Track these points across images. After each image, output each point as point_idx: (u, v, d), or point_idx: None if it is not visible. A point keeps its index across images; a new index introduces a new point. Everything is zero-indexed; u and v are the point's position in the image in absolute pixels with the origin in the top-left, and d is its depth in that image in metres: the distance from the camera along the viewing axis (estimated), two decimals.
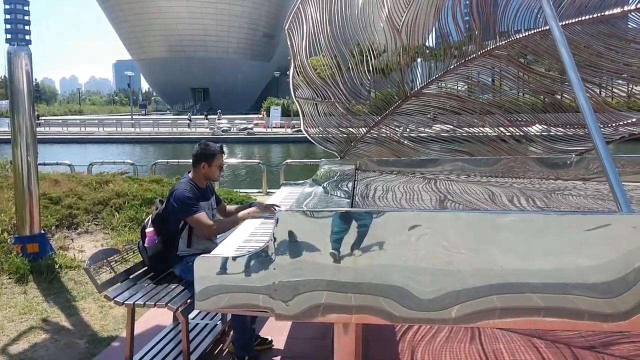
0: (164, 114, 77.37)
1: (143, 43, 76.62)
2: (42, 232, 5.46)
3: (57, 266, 5.16)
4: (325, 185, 3.63)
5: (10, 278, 4.88)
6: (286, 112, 43.87)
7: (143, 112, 75.99)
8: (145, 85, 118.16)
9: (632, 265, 2.16)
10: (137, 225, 6.44)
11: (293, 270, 2.27)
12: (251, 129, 40.24)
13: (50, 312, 4.39)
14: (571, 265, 2.18)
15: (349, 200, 2.91)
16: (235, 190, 9.86)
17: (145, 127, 44.63)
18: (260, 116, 47.01)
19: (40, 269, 5.01)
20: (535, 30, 3.68)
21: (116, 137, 40.02)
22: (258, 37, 76.47)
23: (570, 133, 4.31)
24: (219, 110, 50.52)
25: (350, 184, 3.56)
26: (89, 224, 6.48)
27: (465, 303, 2.19)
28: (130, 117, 54.75)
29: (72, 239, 6.05)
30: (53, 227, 6.13)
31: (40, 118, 50.76)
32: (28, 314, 4.33)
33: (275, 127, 42.04)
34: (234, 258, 2.35)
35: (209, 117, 49.94)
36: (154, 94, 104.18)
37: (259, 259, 2.32)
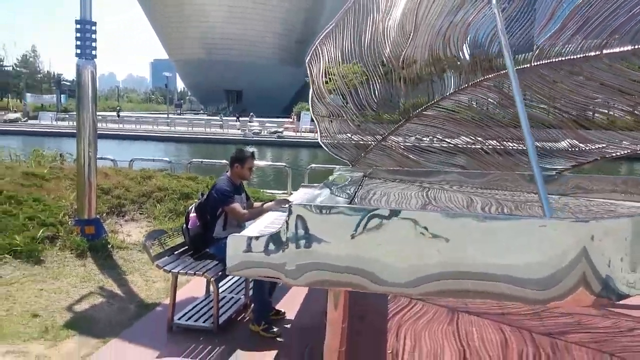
0: (197, 113, 79.46)
1: (180, 44, 79.08)
2: (97, 217, 6.43)
3: (109, 246, 6.12)
4: (334, 188, 4.46)
5: (71, 253, 5.84)
6: None
7: (178, 111, 78.19)
8: (180, 85, 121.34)
9: (551, 262, 2.84)
10: (176, 216, 7.37)
11: (298, 250, 3.06)
12: (281, 132, 41.30)
13: (105, 282, 5.32)
14: (502, 261, 2.87)
15: (349, 200, 3.71)
16: (262, 190, 10.75)
17: (180, 127, 46.19)
18: (291, 120, 48.06)
19: (96, 247, 5.97)
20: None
21: (152, 135, 41.66)
22: (291, 43, 77.93)
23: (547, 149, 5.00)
24: (251, 113, 51.88)
25: (354, 188, 4.38)
26: (135, 212, 7.44)
27: (424, 282, 2.91)
28: (166, 115, 56.69)
29: (120, 225, 7.02)
30: (104, 214, 7.09)
31: (120, 114, 53.33)
32: (87, 282, 5.27)
33: (305, 132, 42.97)
34: (257, 237, 3.18)
35: (240, 119, 51.34)
36: (189, 93, 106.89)
37: (274, 239, 3.13)
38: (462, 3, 3.58)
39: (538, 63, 4.27)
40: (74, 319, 4.44)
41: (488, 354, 3.89)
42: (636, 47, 3.82)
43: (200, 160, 15.03)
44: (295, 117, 47.92)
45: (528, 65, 4.33)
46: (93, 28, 6.18)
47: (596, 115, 4.56)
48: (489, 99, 4.87)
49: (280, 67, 77.03)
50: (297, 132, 43.26)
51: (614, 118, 4.43)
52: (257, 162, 19.60)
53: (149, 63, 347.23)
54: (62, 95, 65.70)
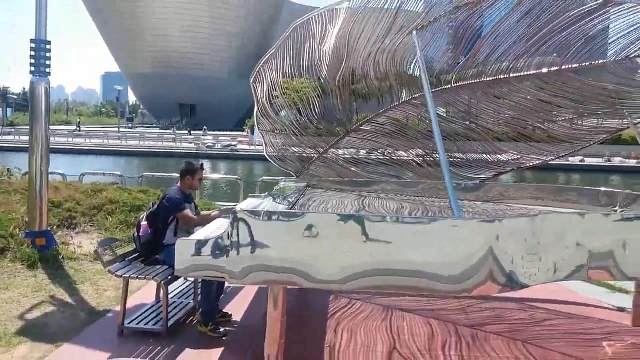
0: (150, 127, 78.25)
1: (133, 57, 77.93)
2: (48, 229, 6.54)
3: (60, 257, 6.24)
4: (278, 197, 4.83)
5: (22, 264, 5.94)
6: None
7: (130, 125, 76.76)
8: (132, 98, 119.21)
9: (463, 260, 3.26)
10: (127, 227, 7.53)
11: (241, 250, 3.40)
12: (235, 146, 41.34)
13: (56, 292, 5.47)
14: (420, 259, 3.27)
15: (289, 207, 4.09)
16: (215, 202, 10.96)
17: (132, 140, 45.49)
18: (245, 134, 48.15)
19: (47, 258, 6.08)
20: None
21: (103, 149, 40.86)
22: (246, 57, 78.17)
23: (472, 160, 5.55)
24: (205, 127, 51.65)
25: (297, 197, 4.77)
26: (86, 225, 7.56)
27: (352, 280, 3.29)
28: (117, 129, 55.64)
29: (71, 237, 7.12)
30: (55, 227, 7.18)
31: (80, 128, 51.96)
32: (38, 292, 5.40)
33: (258, 145, 43.06)
34: (204, 241, 3.49)
35: (192, 132, 51.06)
36: (142, 107, 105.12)
37: (219, 242, 3.45)
38: (387, 32, 4.05)
39: (457, 85, 4.81)
40: (26, 327, 4.59)
41: (416, 345, 4.32)
42: (538, 71, 4.40)
43: (151, 174, 15.08)
44: (249, 130, 48.03)
45: (449, 86, 4.87)
46: (48, 47, 6.36)
47: (508, 129, 5.14)
48: (419, 115, 5.38)
49: (235, 81, 76.99)
50: (251, 145, 43.38)
51: (527, 132, 5.01)
52: (210, 176, 19.80)
53: (100, 76, 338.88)
54: (8, 109, 63.44)
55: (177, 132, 50.41)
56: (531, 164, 5.47)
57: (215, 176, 20.10)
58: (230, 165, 35.08)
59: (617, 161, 34.99)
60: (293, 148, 5.42)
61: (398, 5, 3.64)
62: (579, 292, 5.86)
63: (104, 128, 61.25)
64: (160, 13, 73.35)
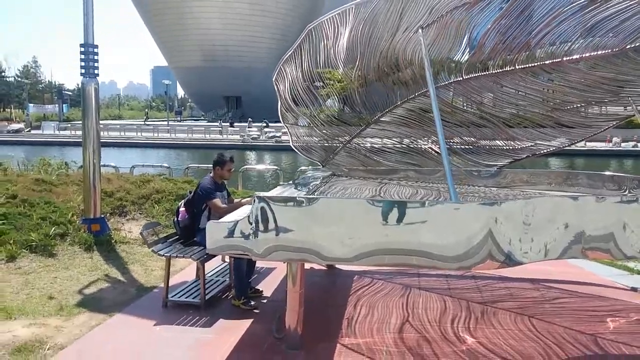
0: (198, 119, 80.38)
1: (179, 52, 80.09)
2: (102, 216, 7.27)
3: (113, 241, 6.95)
4: (301, 184, 5.29)
5: (80, 247, 6.67)
6: None
7: (179, 118, 79.15)
8: (181, 92, 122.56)
9: (465, 241, 3.60)
10: (172, 215, 8.19)
11: (261, 232, 3.86)
12: (279, 137, 42.10)
13: (110, 271, 6.15)
14: (424, 239, 3.62)
15: (309, 193, 4.53)
16: (255, 192, 11.55)
17: (180, 133, 47.09)
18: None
19: (101, 242, 6.80)
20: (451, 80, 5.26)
21: (153, 142, 42.61)
22: (288, 48, 78.78)
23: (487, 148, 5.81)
24: (250, 119, 52.72)
25: (319, 184, 5.21)
26: (135, 212, 8.28)
27: (364, 257, 3.68)
28: (166, 123, 57.65)
29: (122, 223, 7.85)
30: (108, 215, 7.92)
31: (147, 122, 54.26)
32: (94, 271, 6.10)
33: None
34: (229, 222, 3.99)
35: (234, 124, 52.17)
36: (189, 100, 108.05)
37: (243, 222, 3.92)
38: (395, 30, 4.40)
39: (468, 77, 5.11)
40: (84, 299, 5.27)
41: (427, 318, 4.71)
42: (541, 63, 4.65)
43: (197, 165, 15.90)
44: None
45: (460, 78, 5.17)
46: (95, 50, 7.03)
47: (522, 117, 5.38)
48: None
49: None
50: None
51: (535, 120, 5.26)
52: (254, 166, 20.50)
53: (150, 70, 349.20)
54: (64, 105, 66.77)
55: (223, 124, 51.69)
56: (545, 150, 5.69)
57: (258, 167, 20.83)
58: (275, 156, 35.85)
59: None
60: (315, 139, 5.85)
61: (401, 7, 3.98)
62: (597, 274, 6.05)
63: (155, 122, 63.49)
64: (204, 7, 74.99)
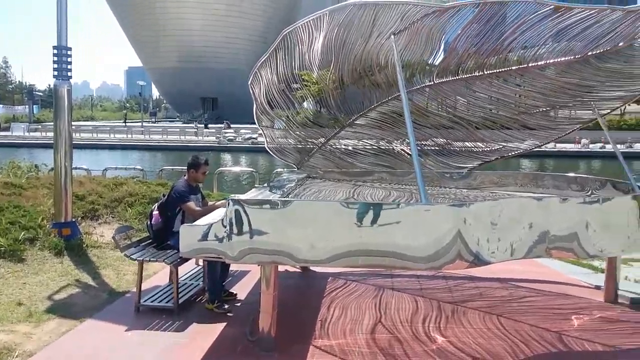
0: (173, 121, 79.52)
1: (155, 52, 79.14)
2: (73, 220, 7.16)
3: (84, 245, 6.85)
4: (276, 186, 5.32)
5: (50, 252, 6.56)
6: None
7: (153, 119, 78.19)
8: (155, 93, 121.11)
9: (434, 242, 3.67)
10: (145, 218, 8.10)
11: (235, 234, 3.88)
12: (255, 138, 41.93)
13: (81, 276, 6.07)
14: (395, 240, 3.69)
15: (283, 195, 4.56)
16: (230, 194, 11.50)
17: (155, 135, 46.50)
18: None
19: (72, 247, 6.70)
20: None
21: (127, 144, 42.00)
22: (265, 49, 78.58)
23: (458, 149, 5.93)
24: (226, 120, 52.39)
25: (293, 187, 5.25)
26: (107, 216, 8.18)
27: (335, 259, 3.73)
28: (140, 124, 56.92)
29: (94, 227, 7.74)
30: (79, 218, 7.81)
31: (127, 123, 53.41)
32: (65, 276, 6.01)
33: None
34: (203, 226, 3.99)
35: (208, 126, 51.93)
36: (164, 101, 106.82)
37: (217, 225, 3.93)
38: (368, 36, 4.47)
39: (440, 81, 5.21)
40: (54, 306, 5.19)
41: (399, 318, 4.78)
42: (508, 68, 4.78)
43: (171, 167, 15.77)
44: None
45: (432, 82, 5.27)
46: (69, 53, 6.94)
47: (490, 120, 5.52)
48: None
49: None
50: None
51: (503, 122, 5.39)
52: (229, 168, 20.40)
53: (124, 71, 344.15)
54: (34, 106, 65.37)
55: (199, 125, 51.29)
56: (514, 152, 5.83)
57: (234, 169, 20.78)
58: (252, 157, 35.70)
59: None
60: (291, 141, 5.89)
61: (374, 14, 4.05)
62: (563, 273, 6.23)
63: (129, 123, 62.59)
64: (180, 8, 74.31)
